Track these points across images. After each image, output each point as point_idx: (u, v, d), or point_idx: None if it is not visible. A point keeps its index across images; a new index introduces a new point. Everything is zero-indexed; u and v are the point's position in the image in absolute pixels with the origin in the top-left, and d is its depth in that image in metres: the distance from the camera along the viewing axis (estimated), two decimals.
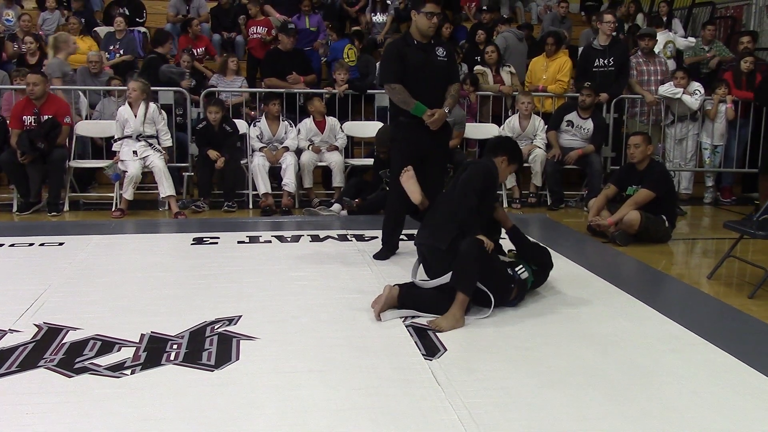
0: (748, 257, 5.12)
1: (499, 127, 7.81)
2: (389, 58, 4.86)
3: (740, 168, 8.08)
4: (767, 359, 3.25)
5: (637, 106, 8.04)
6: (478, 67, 8.26)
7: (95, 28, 9.71)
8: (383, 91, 7.89)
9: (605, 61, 7.65)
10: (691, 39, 9.62)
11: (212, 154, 6.93)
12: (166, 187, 6.69)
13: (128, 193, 6.69)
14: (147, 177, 6.95)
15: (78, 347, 3.28)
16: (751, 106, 7.90)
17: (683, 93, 7.73)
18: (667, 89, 7.79)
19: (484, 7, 10.10)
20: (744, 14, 10.93)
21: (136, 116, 6.80)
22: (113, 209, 6.73)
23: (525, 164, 7.48)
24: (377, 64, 8.56)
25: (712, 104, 7.82)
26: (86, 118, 7.66)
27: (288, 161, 7.04)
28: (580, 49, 8.89)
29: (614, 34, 7.89)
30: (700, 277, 4.92)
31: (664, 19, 10.12)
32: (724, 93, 7.82)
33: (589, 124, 7.40)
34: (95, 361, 3.13)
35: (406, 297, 3.84)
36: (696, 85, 7.84)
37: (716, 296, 4.42)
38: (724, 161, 8.02)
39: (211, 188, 7.16)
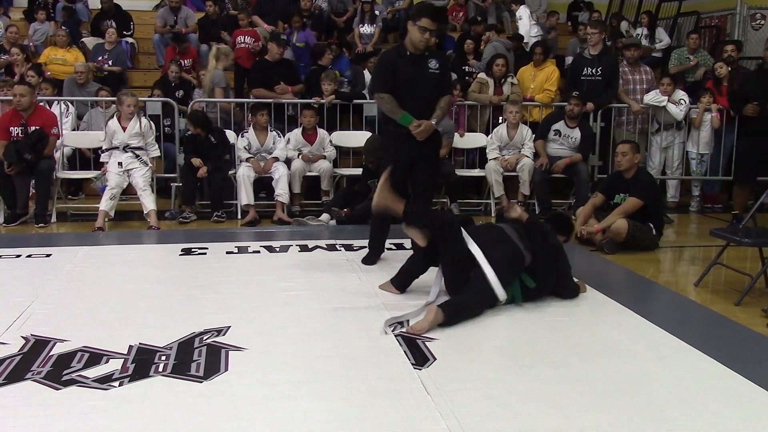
0: (735, 265, 5.16)
1: (487, 136, 7.84)
2: (380, 68, 4.94)
3: (726, 176, 8.13)
4: (754, 366, 3.28)
5: (623, 115, 8.09)
6: (481, 76, 8.25)
7: (82, 39, 9.70)
8: (371, 101, 7.99)
9: (593, 71, 7.71)
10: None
11: (195, 161, 6.93)
12: (146, 204, 6.57)
13: (105, 204, 6.46)
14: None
15: (65, 359, 3.26)
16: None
17: (668, 101, 7.79)
18: (653, 97, 7.84)
19: (479, 18, 10.16)
20: (728, 23, 11.06)
21: (125, 129, 6.73)
22: (96, 223, 6.49)
23: (513, 173, 7.52)
24: (365, 74, 8.61)
25: (697, 113, 7.88)
26: (73, 129, 7.64)
27: (280, 172, 7.02)
28: (567, 59, 8.96)
29: (607, 43, 7.93)
30: (687, 284, 4.96)
31: (646, 30, 10.22)
32: (709, 101, 7.88)
33: (576, 134, 7.43)
34: (83, 373, 3.11)
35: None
36: (681, 94, 7.90)
37: (703, 303, 4.45)
38: (710, 169, 8.07)
39: (195, 197, 7.11)
